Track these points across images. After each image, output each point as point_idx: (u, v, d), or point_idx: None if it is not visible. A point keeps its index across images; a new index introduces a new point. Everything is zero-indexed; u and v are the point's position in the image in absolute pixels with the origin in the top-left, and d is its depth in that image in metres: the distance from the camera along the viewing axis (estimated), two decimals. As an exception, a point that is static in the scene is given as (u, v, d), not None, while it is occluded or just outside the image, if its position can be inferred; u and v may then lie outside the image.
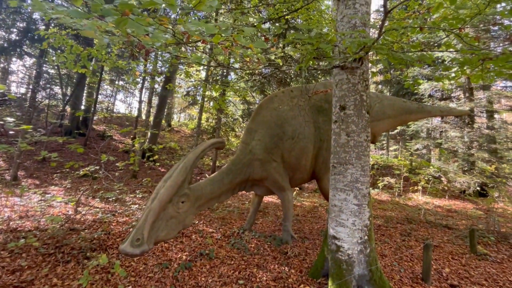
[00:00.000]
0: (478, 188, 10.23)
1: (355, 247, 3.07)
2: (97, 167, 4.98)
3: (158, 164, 12.23)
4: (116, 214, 5.23)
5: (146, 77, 12.68)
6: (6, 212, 4.66)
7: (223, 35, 1.51)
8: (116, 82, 18.90)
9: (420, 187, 10.53)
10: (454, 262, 4.23)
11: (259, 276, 3.31)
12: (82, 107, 14.19)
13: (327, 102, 4.83)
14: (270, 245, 4.28)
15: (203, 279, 3.19)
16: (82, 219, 4.66)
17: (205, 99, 10.15)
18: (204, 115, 21.00)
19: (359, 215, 3.09)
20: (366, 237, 3.11)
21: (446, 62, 9.77)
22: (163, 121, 17.00)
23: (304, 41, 2.30)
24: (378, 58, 3.31)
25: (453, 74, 3.59)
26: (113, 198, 6.41)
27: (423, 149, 11.36)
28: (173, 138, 18.59)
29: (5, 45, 10.33)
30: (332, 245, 3.18)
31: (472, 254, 4.54)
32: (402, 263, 3.99)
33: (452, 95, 12.61)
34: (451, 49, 4.94)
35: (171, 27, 1.55)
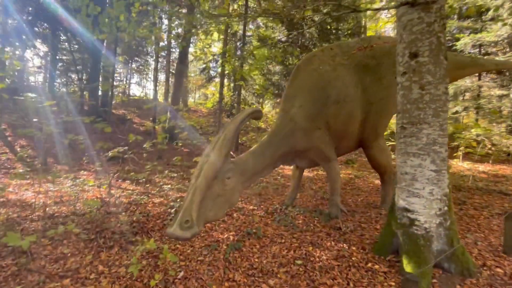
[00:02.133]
0: (528, 150, 9.34)
1: (433, 220, 2.63)
2: (126, 148, 4.72)
3: (180, 144, 12.05)
4: (150, 195, 5.03)
5: (161, 55, 12.20)
6: (41, 198, 4.55)
7: None
8: (130, 65, 18.56)
9: (460, 153, 9.77)
10: (530, 231, 3.71)
11: (317, 255, 2.98)
12: (99, 93, 14.02)
13: (374, 59, 4.19)
14: (319, 221, 3.93)
15: (256, 260, 2.89)
16: (116, 202, 4.48)
17: (225, 69, 9.59)
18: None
19: (438, 182, 2.61)
20: (445, 208, 2.65)
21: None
22: (180, 102, 16.69)
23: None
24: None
25: None
26: (143, 179, 6.24)
27: (463, 112, 10.41)
28: (191, 117, 18.34)
29: (17, 30, 10.09)
30: (404, 219, 2.75)
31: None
32: (473, 234, 3.53)
33: (494, 50, 11.28)
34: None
35: None
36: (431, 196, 2.62)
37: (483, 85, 10.77)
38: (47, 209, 4.02)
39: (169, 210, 3.99)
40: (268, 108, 19.01)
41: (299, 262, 2.84)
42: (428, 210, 2.62)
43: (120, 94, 18.59)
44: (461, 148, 10.00)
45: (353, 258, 2.88)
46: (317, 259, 2.89)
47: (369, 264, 2.76)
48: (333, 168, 4.03)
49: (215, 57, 12.42)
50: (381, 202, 4.65)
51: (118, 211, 4.01)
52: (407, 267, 2.54)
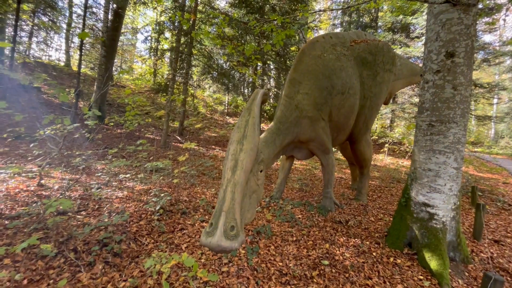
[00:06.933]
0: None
1: (449, 214, 2.79)
2: (76, 125, 3.52)
3: (112, 124, 10.20)
4: (103, 186, 3.96)
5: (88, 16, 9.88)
6: None
7: None
8: (36, 20, 14.55)
9: (386, 149, 11.38)
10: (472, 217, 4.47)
11: (339, 252, 2.83)
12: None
13: (371, 54, 4.24)
14: (316, 214, 3.80)
15: (280, 264, 2.54)
16: (62, 196, 3.33)
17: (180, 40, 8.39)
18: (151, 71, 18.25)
19: (457, 179, 2.77)
20: (458, 202, 2.86)
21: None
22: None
23: None
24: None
25: None
26: (81, 166, 4.93)
27: (389, 113, 12.10)
28: (120, 94, 15.80)
29: None
30: (422, 213, 2.85)
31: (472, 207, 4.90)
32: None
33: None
34: None
35: None
36: (450, 192, 2.77)
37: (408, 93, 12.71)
38: None
39: (150, 208, 3.16)
40: (209, 92, 18.06)
41: (325, 262, 2.62)
42: (447, 205, 2.77)
43: (21, 55, 14.46)
44: (386, 145, 11.58)
45: (374, 254, 2.84)
46: (341, 257, 2.74)
47: (391, 259, 2.76)
48: (331, 161, 3.95)
49: (161, 27, 10.82)
50: (357, 194, 4.86)
51: (75, 210, 2.97)
52: (431, 260, 2.64)
